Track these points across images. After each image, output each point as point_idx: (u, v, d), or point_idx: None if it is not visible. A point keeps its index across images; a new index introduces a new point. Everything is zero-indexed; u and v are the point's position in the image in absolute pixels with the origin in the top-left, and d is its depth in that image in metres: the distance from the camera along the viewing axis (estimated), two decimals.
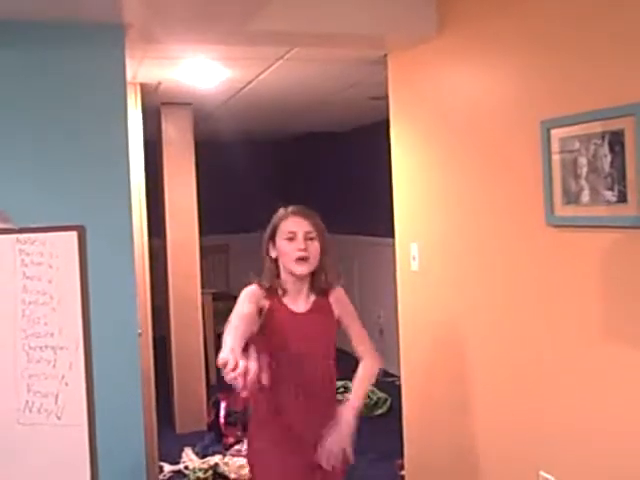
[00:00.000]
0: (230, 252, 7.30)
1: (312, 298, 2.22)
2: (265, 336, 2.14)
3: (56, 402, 2.42)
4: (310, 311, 2.19)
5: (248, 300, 2.15)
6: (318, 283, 2.21)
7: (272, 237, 2.18)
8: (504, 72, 2.55)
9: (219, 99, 4.45)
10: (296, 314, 2.17)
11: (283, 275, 2.18)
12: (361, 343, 2.31)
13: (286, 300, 2.18)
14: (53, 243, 2.43)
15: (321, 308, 2.21)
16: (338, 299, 2.26)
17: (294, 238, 2.12)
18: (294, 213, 2.16)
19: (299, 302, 2.20)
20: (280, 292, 2.17)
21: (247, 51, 3.21)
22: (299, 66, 3.57)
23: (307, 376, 2.17)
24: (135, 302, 2.55)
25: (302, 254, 2.09)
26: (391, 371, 5.56)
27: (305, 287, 2.20)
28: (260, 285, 2.18)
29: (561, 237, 2.27)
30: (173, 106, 4.57)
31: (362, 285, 6.33)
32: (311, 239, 2.13)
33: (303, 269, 2.12)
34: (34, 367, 2.39)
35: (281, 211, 2.20)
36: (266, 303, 2.15)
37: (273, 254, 2.17)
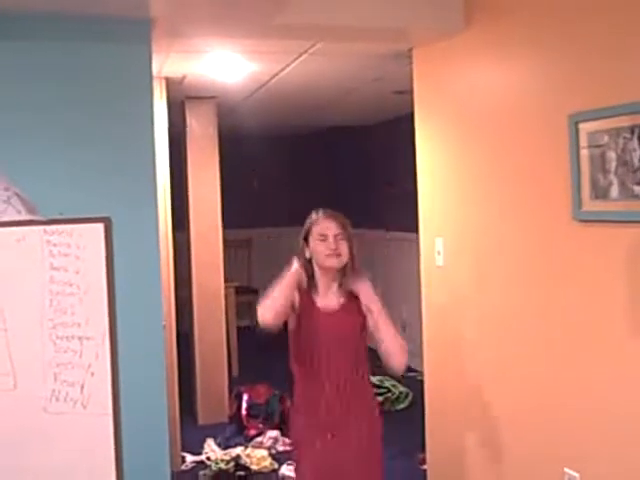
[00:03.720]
0: (252, 246, 7.33)
1: (342, 299, 2.40)
2: (298, 331, 2.37)
3: (82, 391, 2.45)
4: (339, 310, 2.38)
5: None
6: (347, 282, 2.39)
7: (306, 239, 2.41)
8: (532, 65, 2.53)
9: (243, 93, 4.46)
10: (325, 312, 2.37)
11: (316, 273, 2.40)
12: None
13: (316, 298, 2.39)
14: (80, 234, 2.46)
15: (350, 307, 2.38)
16: (359, 287, 2.38)
17: (325, 239, 2.34)
18: (325, 217, 2.39)
19: (329, 300, 2.39)
20: (313, 290, 2.39)
21: (272, 45, 3.22)
22: (324, 60, 3.56)
23: (335, 371, 2.35)
24: (160, 294, 2.57)
25: (333, 252, 2.34)
26: (413, 366, 5.55)
27: (335, 285, 2.39)
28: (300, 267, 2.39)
29: (588, 232, 2.24)
30: (197, 100, 4.59)
31: (385, 281, 6.31)
32: (341, 239, 2.35)
33: (334, 262, 2.35)
34: (61, 357, 2.43)
35: (313, 215, 2.43)
36: (297, 298, 2.36)
37: (307, 254, 2.40)
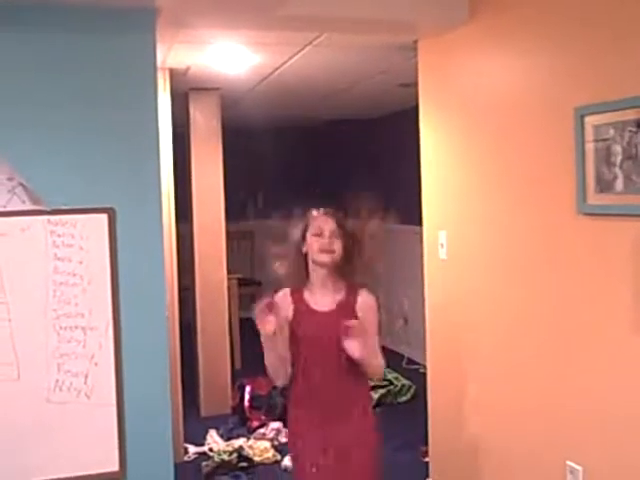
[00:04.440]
0: (255, 238, 7.33)
1: (338, 297, 2.38)
2: (293, 333, 2.35)
3: (86, 382, 2.46)
4: (333, 310, 2.36)
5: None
6: (344, 278, 2.40)
7: (303, 234, 2.42)
8: (537, 58, 2.52)
9: (247, 85, 4.45)
10: (318, 312, 2.36)
11: (310, 268, 2.40)
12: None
13: (311, 298, 2.38)
14: (84, 225, 2.46)
15: (344, 308, 2.36)
16: (364, 304, 2.39)
17: (321, 234, 2.37)
18: (323, 214, 2.42)
19: (324, 299, 2.38)
20: (306, 289, 2.39)
21: (276, 36, 3.21)
22: (328, 52, 3.55)
23: (326, 371, 2.34)
24: (164, 284, 2.57)
25: (326, 247, 2.35)
26: (415, 359, 5.56)
27: (330, 283, 2.38)
28: (290, 289, 2.41)
29: (593, 226, 2.24)
30: (201, 91, 4.58)
31: (388, 273, 6.32)
32: (336, 237, 2.37)
33: (325, 258, 2.35)
34: (65, 347, 2.44)
35: (313, 212, 2.45)
36: (291, 308, 2.37)
37: (304, 249, 2.40)
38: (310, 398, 2.37)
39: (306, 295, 2.38)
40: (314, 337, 2.33)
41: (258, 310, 2.20)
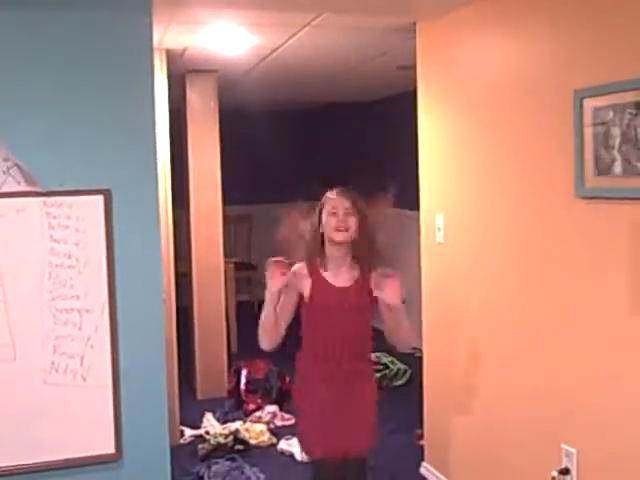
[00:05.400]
0: (253, 222, 7.31)
1: (355, 274, 2.47)
2: (310, 305, 2.45)
3: (82, 364, 2.45)
4: (350, 286, 2.45)
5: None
6: (359, 257, 2.48)
7: (319, 214, 2.50)
8: (536, 40, 2.50)
9: (245, 66, 4.42)
10: (335, 287, 2.45)
11: (326, 246, 2.48)
12: None
13: (327, 274, 2.47)
14: (80, 206, 2.44)
15: (360, 284, 2.46)
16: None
17: (336, 213, 2.44)
18: (338, 194, 2.51)
19: (340, 276, 2.47)
20: (321, 267, 2.47)
21: (274, 17, 3.18)
22: (326, 33, 3.52)
23: (341, 343, 2.44)
24: (160, 266, 2.56)
25: (341, 225, 2.43)
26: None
27: (346, 261, 2.48)
28: (306, 262, 2.49)
29: (591, 209, 2.23)
30: (198, 73, 4.54)
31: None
32: (350, 215, 2.45)
33: (340, 236, 2.43)
34: (60, 329, 2.42)
35: (328, 193, 2.54)
36: (308, 282, 2.46)
37: (320, 228, 2.50)
38: (322, 369, 2.43)
39: (322, 272, 2.46)
40: (333, 307, 2.43)
41: (272, 264, 2.37)
